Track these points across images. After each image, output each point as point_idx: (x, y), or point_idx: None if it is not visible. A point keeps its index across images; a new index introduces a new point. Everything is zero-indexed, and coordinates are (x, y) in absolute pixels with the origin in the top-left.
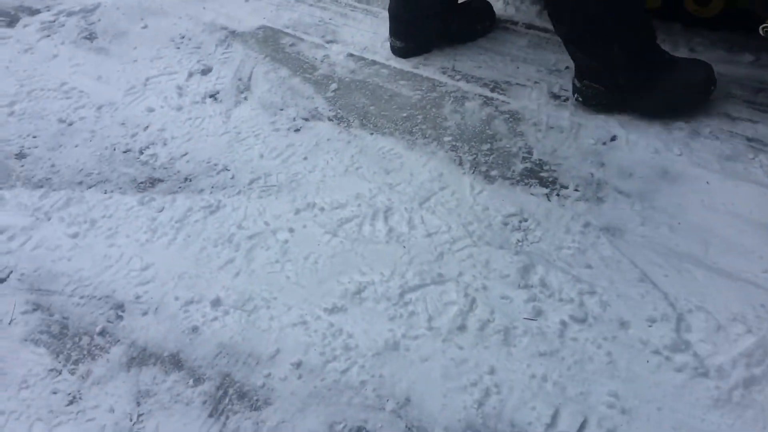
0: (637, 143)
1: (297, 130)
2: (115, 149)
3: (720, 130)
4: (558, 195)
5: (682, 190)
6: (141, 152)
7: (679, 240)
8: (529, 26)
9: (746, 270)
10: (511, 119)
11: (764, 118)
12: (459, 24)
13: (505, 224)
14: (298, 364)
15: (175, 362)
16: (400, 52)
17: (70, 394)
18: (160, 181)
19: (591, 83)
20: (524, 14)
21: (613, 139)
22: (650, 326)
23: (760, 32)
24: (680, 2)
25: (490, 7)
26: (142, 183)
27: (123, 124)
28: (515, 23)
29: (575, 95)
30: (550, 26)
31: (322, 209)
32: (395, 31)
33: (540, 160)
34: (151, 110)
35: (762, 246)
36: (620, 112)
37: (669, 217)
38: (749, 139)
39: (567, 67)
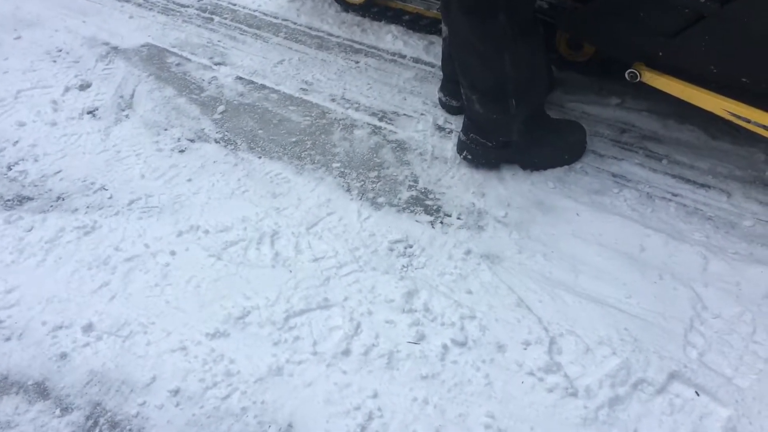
0: (516, 176)
1: (182, 151)
2: None
3: (589, 166)
4: (442, 223)
5: (555, 221)
6: (9, 168)
7: (552, 267)
8: (417, 60)
9: (612, 296)
10: (398, 148)
11: (628, 156)
12: None
13: (391, 250)
14: (176, 392)
15: (41, 391)
16: (454, 110)
17: None
18: (30, 199)
19: (479, 138)
20: (412, 48)
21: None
22: (525, 349)
23: (626, 77)
24: (554, 46)
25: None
26: (9, 201)
27: None
28: (403, 56)
29: (462, 152)
30: (436, 61)
31: (206, 232)
32: (451, 91)
33: (425, 188)
34: (21, 124)
35: (626, 274)
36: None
37: (543, 246)
38: (614, 175)
39: None
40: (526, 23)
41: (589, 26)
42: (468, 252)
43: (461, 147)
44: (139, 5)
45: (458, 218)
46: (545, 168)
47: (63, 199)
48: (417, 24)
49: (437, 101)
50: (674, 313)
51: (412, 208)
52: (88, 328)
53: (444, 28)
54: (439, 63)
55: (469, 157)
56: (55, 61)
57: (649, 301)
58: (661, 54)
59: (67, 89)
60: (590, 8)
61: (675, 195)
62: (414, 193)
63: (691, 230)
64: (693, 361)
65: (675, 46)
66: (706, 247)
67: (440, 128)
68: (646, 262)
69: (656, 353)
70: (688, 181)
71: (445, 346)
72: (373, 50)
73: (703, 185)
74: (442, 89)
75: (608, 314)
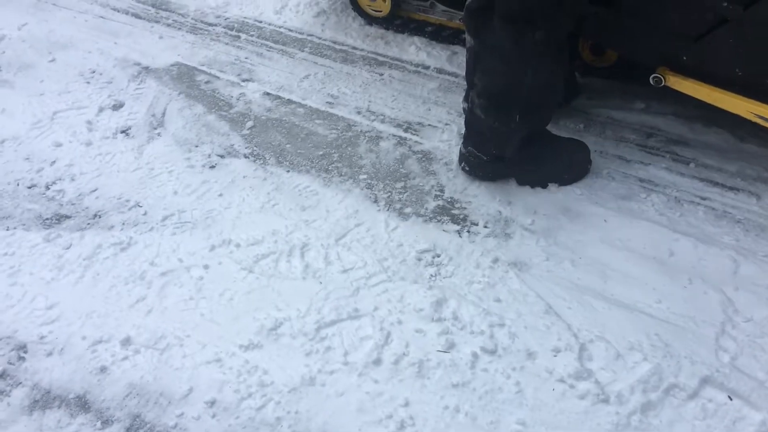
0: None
1: (212, 167)
2: (18, 184)
3: (616, 172)
4: (469, 231)
5: (583, 227)
6: (47, 188)
7: (581, 274)
8: (440, 71)
9: (641, 301)
10: (423, 159)
11: (654, 160)
12: None
13: (419, 260)
14: (212, 403)
15: (82, 404)
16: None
17: None
18: (68, 217)
19: (474, 151)
20: (435, 59)
21: None
22: (555, 356)
23: (651, 81)
24: (578, 52)
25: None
26: (47, 219)
27: (28, 159)
28: (427, 67)
29: (462, 163)
30: (459, 71)
31: (237, 246)
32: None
33: (451, 198)
34: (58, 145)
35: (655, 278)
36: None
37: (571, 252)
38: (641, 180)
39: None
40: (560, 43)
41: (611, 32)
42: (496, 260)
43: (461, 158)
44: (169, 25)
45: (485, 227)
46: (543, 186)
47: (99, 217)
48: (440, 35)
49: (461, 111)
50: (705, 318)
51: (438, 218)
52: (126, 341)
53: (468, 38)
54: (463, 73)
55: (467, 168)
56: (88, 83)
57: (679, 305)
58: (685, 58)
59: (101, 109)
60: (612, 14)
61: (703, 198)
62: (440, 202)
63: (720, 233)
64: (725, 365)
65: (699, 49)
66: (736, 251)
67: (462, 136)
68: (676, 266)
69: (688, 358)
70: (716, 184)
71: (474, 354)
72: (396, 62)
73: (731, 188)
74: (465, 99)
75: (638, 319)
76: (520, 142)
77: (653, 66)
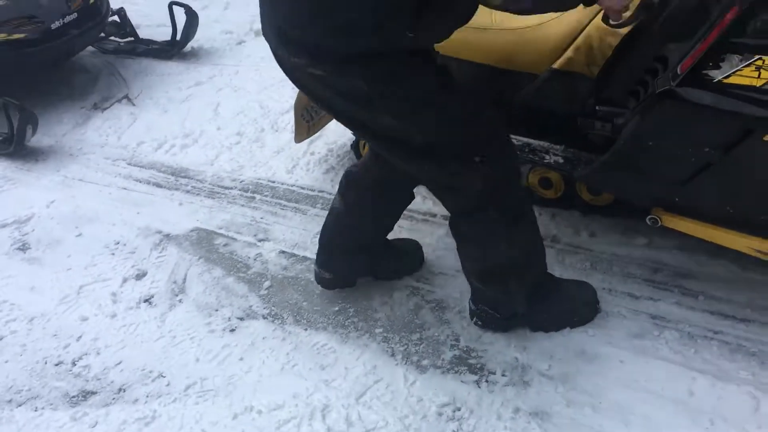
0: None
1: (232, 330)
2: (46, 362)
3: (627, 309)
4: (487, 381)
5: (600, 369)
6: (74, 364)
7: (602, 420)
8: (446, 217)
9: None
10: (437, 308)
11: (663, 295)
12: (386, 262)
13: (440, 414)
14: None
15: None
16: (327, 283)
17: None
18: (93, 393)
19: (486, 308)
20: (441, 207)
21: None
22: None
23: (647, 222)
24: (576, 193)
25: (417, 248)
26: (74, 397)
27: (55, 335)
28: (434, 215)
29: (473, 318)
30: None
31: (259, 412)
32: (323, 263)
33: (467, 346)
34: (84, 319)
35: (676, 421)
36: None
37: (590, 397)
38: (653, 317)
39: None
40: (517, 208)
41: (603, 177)
42: (516, 410)
43: (471, 313)
44: (188, 192)
45: (503, 375)
46: (555, 330)
47: (124, 390)
48: None
49: None
50: None
51: (456, 368)
52: None
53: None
54: None
55: (480, 323)
56: (113, 254)
57: None
58: (677, 199)
59: (125, 280)
60: (603, 161)
61: (716, 332)
62: (457, 352)
63: (736, 369)
64: None
65: (688, 191)
66: (755, 386)
67: (471, 294)
68: (696, 407)
69: None
70: (727, 316)
71: None
72: (405, 212)
73: (742, 320)
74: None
75: None
76: (526, 298)
77: (648, 207)
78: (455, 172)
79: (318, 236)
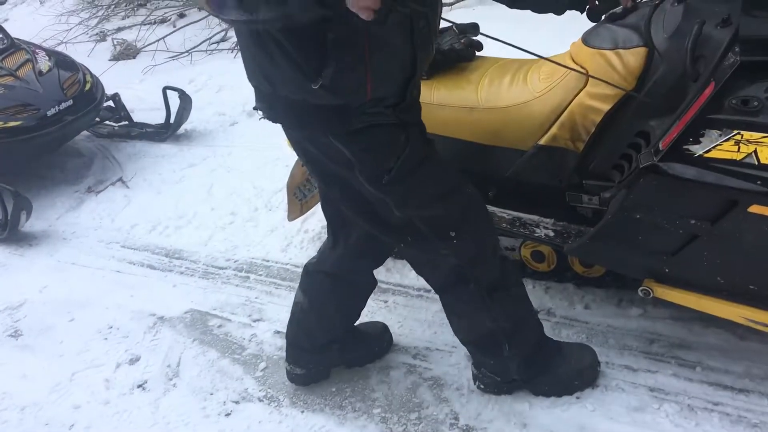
0: (554, 401)
1: (227, 415)
2: None
3: (625, 382)
4: None
5: None
6: None
7: None
8: None
9: None
10: (434, 385)
11: (661, 367)
12: (356, 349)
13: None
14: None
15: None
16: (300, 380)
17: None
18: None
19: (488, 372)
20: None
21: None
22: None
23: (639, 293)
24: (569, 265)
25: (384, 330)
26: None
27: (47, 424)
28: (428, 291)
29: (476, 382)
30: None
31: None
32: (295, 359)
33: (467, 425)
34: (77, 407)
35: None
36: None
37: None
38: (651, 389)
39: None
40: (497, 281)
41: (594, 250)
42: None
43: (474, 378)
44: (182, 273)
45: None
46: (558, 396)
47: None
48: None
49: None
50: None
51: None
52: None
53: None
54: None
55: (482, 387)
56: (106, 339)
57: None
58: (667, 270)
59: (118, 365)
60: (593, 234)
61: (716, 404)
62: (456, 431)
63: None
64: None
65: (678, 262)
66: None
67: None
68: None
69: None
70: (725, 387)
71: None
72: (399, 288)
73: (741, 390)
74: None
75: None
76: (523, 362)
77: (639, 278)
78: (431, 248)
79: None
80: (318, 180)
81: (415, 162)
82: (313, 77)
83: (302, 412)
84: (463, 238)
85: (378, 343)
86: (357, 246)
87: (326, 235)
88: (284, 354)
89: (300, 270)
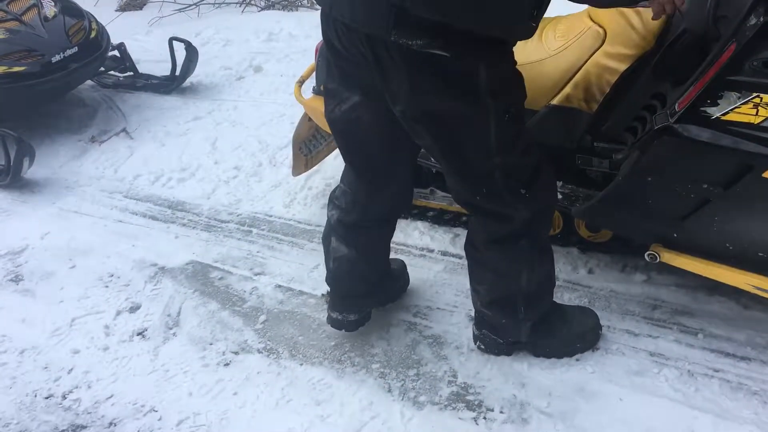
0: (554, 363)
1: (227, 365)
2: (36, 395)
3: (626, 347)
4: (485, 418)
5: (600, 408)
6: (64, 397)
7: None
8: (444, 253)
9: None
10: (434, 343)
11: (662, 333)
12: (393, 285)
13: None
14: None
15: None
16: (353, 325)
17: None
18: (83, 427)
19: (489, 333)
20: (439, 242)
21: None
22: None
23: (646, 258)
24: (574, 229)
25: (404, 265)
26: (64, 431)
27: (46, 368)
28: (431, 251)
29: (476, 342)
30: (462, 253)
31: None
32: (348, 307)
33: (465, 383)
34: (76, 352)
35: None
36: None
37: None
38: (652, 354)
39: None
40: (545, 242)
41: (602, 214)
42: None
43: (475, 338)
44: (184, 225)
45: (501, 412)
46: (558, 357)
47: (115, 425)
48: (441, 219)
49: (468, 293)
50: None
51: (453, 405)
52: None
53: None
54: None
55: (483, 347)
56: (107, 286)
57: None
58: (675, 235)
59: (118, 313)
60: (602, 197)
61: (716, 371)
62: (454, 388)
63: (738, 407)
64: None
65: (688, 227)
66: (757, 425)
67: (474, 319)
68: None
69: None
70: (727, 354)
71: None
72: (402, 247)
73: (743, 358)
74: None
75: None
76: (531, 327)
77: (647, 243)
78: (508, 202)
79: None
80: (413, 121)
81: (522, 108)
82: (532, 14)
83: (301, 364)
84: (535, 194)
85: (404, 277)
86: (396, 195)
87: (336, 192)
88: (284, 308)
89: (302, 226)
